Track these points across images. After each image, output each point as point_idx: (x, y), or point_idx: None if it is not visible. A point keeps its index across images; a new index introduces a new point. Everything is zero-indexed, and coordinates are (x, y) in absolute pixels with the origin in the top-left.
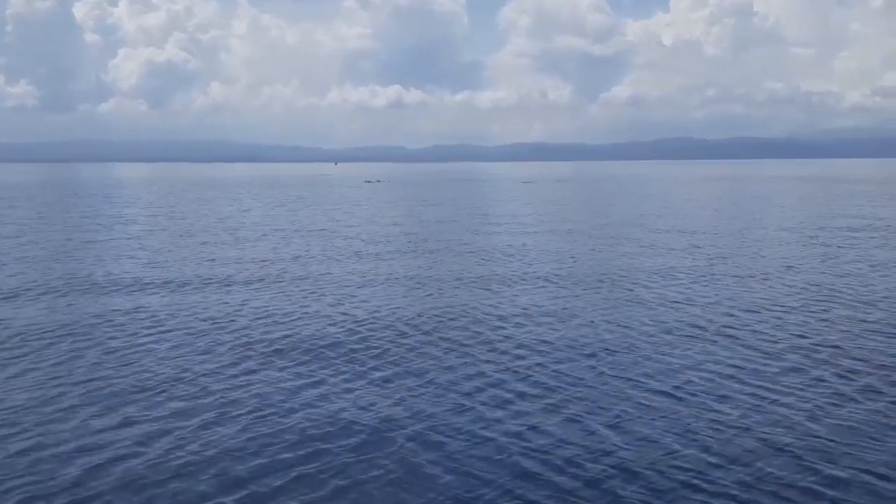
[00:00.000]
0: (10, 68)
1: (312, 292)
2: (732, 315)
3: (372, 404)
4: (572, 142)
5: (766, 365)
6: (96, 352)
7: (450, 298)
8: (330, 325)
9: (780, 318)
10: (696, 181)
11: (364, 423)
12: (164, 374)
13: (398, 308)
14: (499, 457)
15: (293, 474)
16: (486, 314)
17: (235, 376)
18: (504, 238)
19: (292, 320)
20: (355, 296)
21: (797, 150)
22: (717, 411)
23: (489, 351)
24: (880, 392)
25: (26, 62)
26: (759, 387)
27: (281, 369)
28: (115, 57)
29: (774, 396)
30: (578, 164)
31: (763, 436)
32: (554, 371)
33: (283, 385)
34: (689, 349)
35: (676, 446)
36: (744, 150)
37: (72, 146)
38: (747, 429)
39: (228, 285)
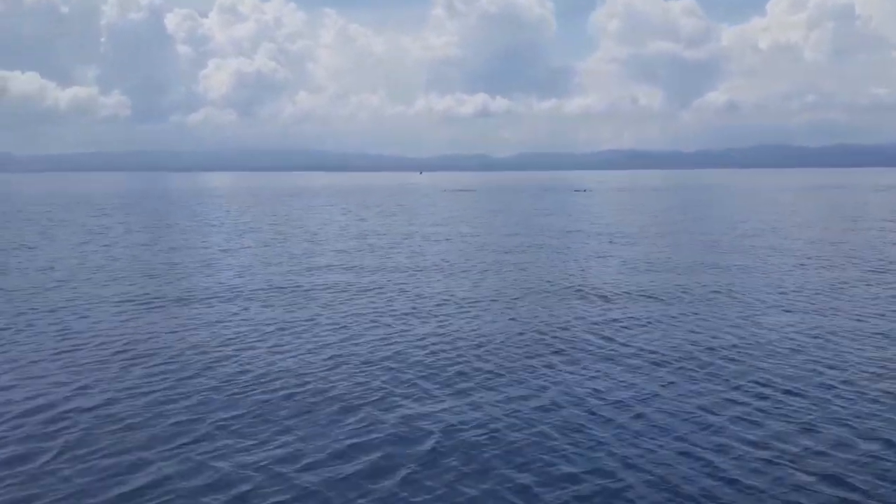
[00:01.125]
0: (103, 79)
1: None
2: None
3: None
4: (664, 149)
5: None
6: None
7: (565, 309)
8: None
9: None
10: (797, 190)
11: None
12: (318, 388)
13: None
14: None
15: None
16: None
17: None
18: (623, 250)
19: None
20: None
21: None
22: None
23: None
24: None
25: (119, 73)
26: None
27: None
28: (206, 67)
29: None
30: (671, 172)
31: None
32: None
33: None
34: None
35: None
36: (846, 157)
37: (162, 156)
38: None
39: (390, 291)
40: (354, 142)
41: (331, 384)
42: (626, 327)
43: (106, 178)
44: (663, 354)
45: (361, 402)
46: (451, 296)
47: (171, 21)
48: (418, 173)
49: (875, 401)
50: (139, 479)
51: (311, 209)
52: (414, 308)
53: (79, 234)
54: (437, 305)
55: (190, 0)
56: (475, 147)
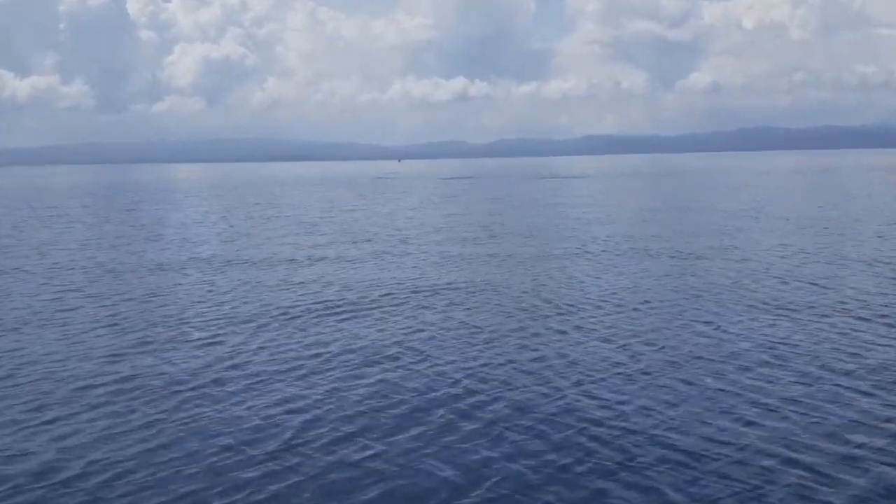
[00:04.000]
0: (63, 68)
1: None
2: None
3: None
4: (647, 133)
5: None
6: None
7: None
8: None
9: None
10: (786, 173)
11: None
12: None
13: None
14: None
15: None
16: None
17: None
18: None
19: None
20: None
21: (892, 139)
22: None
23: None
24: None
25: (80, 61)
26: None
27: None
28: (171, 54)
29: None
30: (655, 156)
31: None
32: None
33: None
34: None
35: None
36: (833, 139)
37: (127, 148)
38: None
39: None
40: (327, 130)
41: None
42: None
43: (66, 172)
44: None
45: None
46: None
47: (133, 5)
48: (397, 161)
49: None
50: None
51: (308, 202)
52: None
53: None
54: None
55: None
56: (453, 133)
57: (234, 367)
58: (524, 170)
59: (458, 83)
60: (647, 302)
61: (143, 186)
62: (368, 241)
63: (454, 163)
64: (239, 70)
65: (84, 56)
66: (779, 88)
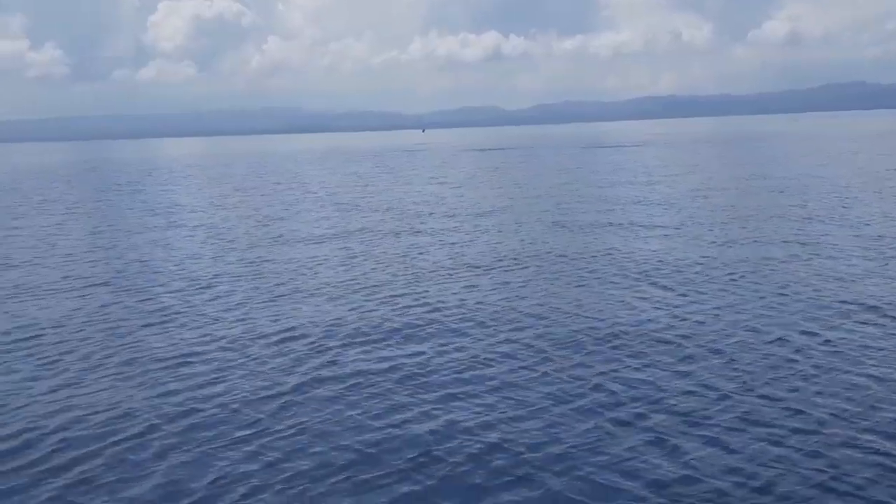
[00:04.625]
0: (33, 31)
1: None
2: None
3: None
4: (713, 93)
5: None
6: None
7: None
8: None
9: None
10: (885, 136)
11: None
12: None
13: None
14: None
15: None
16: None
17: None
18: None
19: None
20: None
21: None
22: None
23: None
24: None
25: (53, 23)
26: None
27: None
28: (156, 12)
29: None
30: (723, 119)
31: None
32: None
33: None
34: None
35: None
36: None
37: (108, 121)
38: None
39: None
40: (338, 97)
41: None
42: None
43: (42, 150)
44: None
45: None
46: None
47: None
48: (420, 131)
49: None
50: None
51: (336, 181)
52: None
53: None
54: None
55: None
56: (485, 98)
57: (351, 375)
58: (571, 138)
59: (490, 39)
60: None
61: (134, 165)
62: (423, 222)
63: (487, 132)
64: (235, 30)
65: (56, 17)
66: (867, 39)
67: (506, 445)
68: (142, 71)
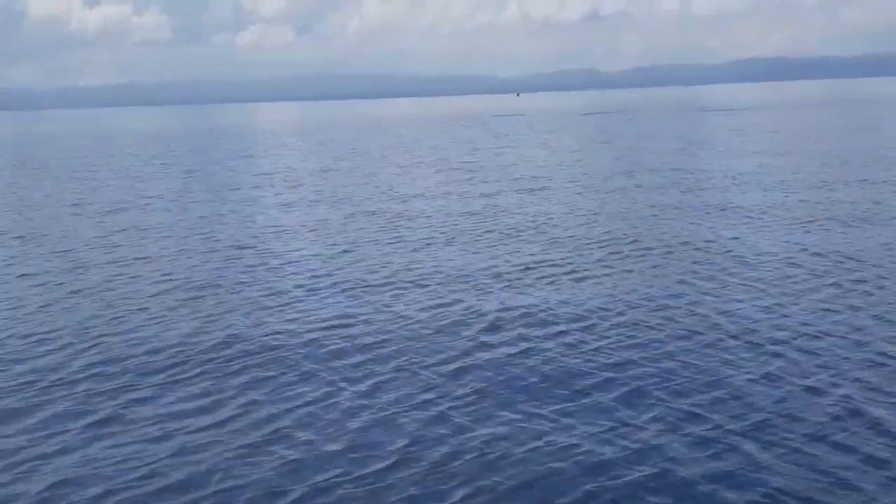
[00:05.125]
0: None
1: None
2: None
3: None
4: (821, 54)
5: None
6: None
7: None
8: None
9: None
10: None
11: None
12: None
13: None
14: None
15: None
16: None
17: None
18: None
19: None
20: None
21: None
22: None
23: None
24: None
25: None
26: None
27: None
28: None
29: None
30: (830, 82)
31: None
32: None
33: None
34: None
35: None
36: None
37: (210, 86)
38: None
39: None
40: (435, 60)
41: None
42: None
43: (142, 113)
44: None
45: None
46: None
47: None
48: (515, 95)
49: None
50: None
51: (446, 145)
52: None
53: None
54: None
55: None
56: (581, 60)
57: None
58: (674, 102)
59: None
60: None
61: (246, 130)
62: (546, 188)
63: (584, 96)
64: None
65: None
66: None
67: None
68: (241, 35)
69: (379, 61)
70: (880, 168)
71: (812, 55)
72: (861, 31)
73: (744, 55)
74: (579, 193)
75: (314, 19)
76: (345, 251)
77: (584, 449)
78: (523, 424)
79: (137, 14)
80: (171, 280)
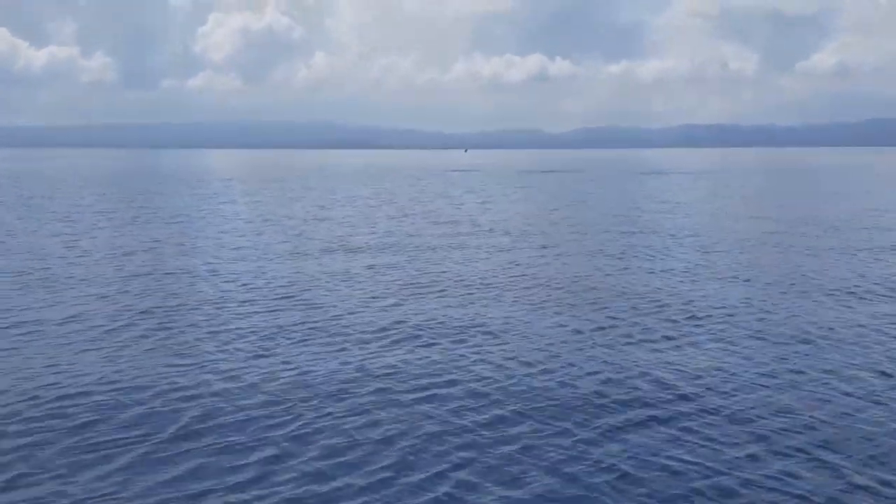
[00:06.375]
0: (85, 37)
1: None
2: None
3: None
4: (759, 123)
5: None
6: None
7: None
8: None
9: None
10: None
11: None
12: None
13: None
14: None
15: None
16: None
17: None
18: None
19: None
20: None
21: None
22: None
23: None
24: None
25: (104, 30)
26: None
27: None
28: (205, 24)
29: None
30: (770, 150)
31: None
32: None
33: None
34: None
35: None
36: None
37: (157, 129)
38: None
39: None
40: (383, 113)
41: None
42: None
43: (87, 155)
44: None
45: None
46: None
47: None
48: (463, 151)
49: None
50: None
51: (416, 196)
52: None
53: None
54: None
55: None
56: (528, 120)
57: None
58: (619, 164)
59: (535, 61)
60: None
61: (200, 174)
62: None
63: (530, 154)
64: (283, 44)
65: (108, 24)
66: None
67: None
68: (190, 81)
69: (327, 112)
70: (811, 233)
71: (751, 123)
72: (796, 103)
73: (684, 120)
74: (582, 250)
75: (262, 68)
76: (346, 307)
77: None
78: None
79: (85, 56)
80: (80, 321)
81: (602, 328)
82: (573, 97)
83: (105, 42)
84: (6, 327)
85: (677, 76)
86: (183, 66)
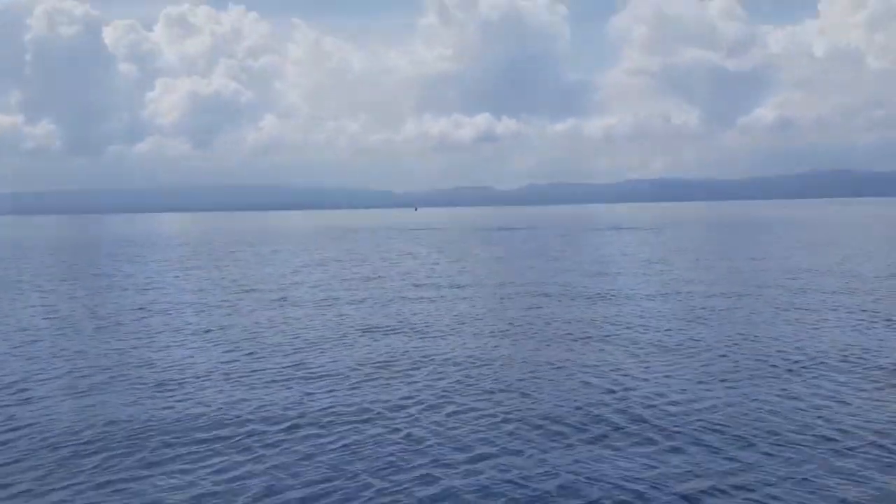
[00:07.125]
0: (30, 105)
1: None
2: None
3: None
4: (702, 177)
5: None
6: None
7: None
8: None
9: None
10: (888, 224)
11: None
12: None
13: None
14: None
15: None
16: None
17: None
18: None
19: None
20: None
21: None
22: None
23: None
24: None
25: (49, 98)
26: None
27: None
28: (153, 89)
29: None
30: (714, 204)
31: None
32: None
33: None
34: None
35: None
36: None
37: (103, 195)
38: None
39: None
40: (332, 174)
41: None
42: None
43: (30, 222)
44: None
45: None
46: None
47: (111, 35)
48: (413, 209)
49: None
50: None
51: (381, 255)
52: None
53: None
54: None
55: (131, 10)
56: (477, 178)
57: None
58: (568, 219)
59: (483, 120)
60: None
61: (149, 239)
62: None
63: (480, 211)
64: (232, 108)
65: (53, 92)
66: (857, 126)
67: None
68: (137, 145)
69: (277, 174)
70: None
71: (694, 177)
72: (738, 157)
73: (630, 176)
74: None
75: (212, 132)
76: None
77: None
78: None
79: (29, 124)
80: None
81: (550, 361)
82: (521, 155)
83: (51, 110)
84: None
85: (621, 132)
86: (130, 131)
